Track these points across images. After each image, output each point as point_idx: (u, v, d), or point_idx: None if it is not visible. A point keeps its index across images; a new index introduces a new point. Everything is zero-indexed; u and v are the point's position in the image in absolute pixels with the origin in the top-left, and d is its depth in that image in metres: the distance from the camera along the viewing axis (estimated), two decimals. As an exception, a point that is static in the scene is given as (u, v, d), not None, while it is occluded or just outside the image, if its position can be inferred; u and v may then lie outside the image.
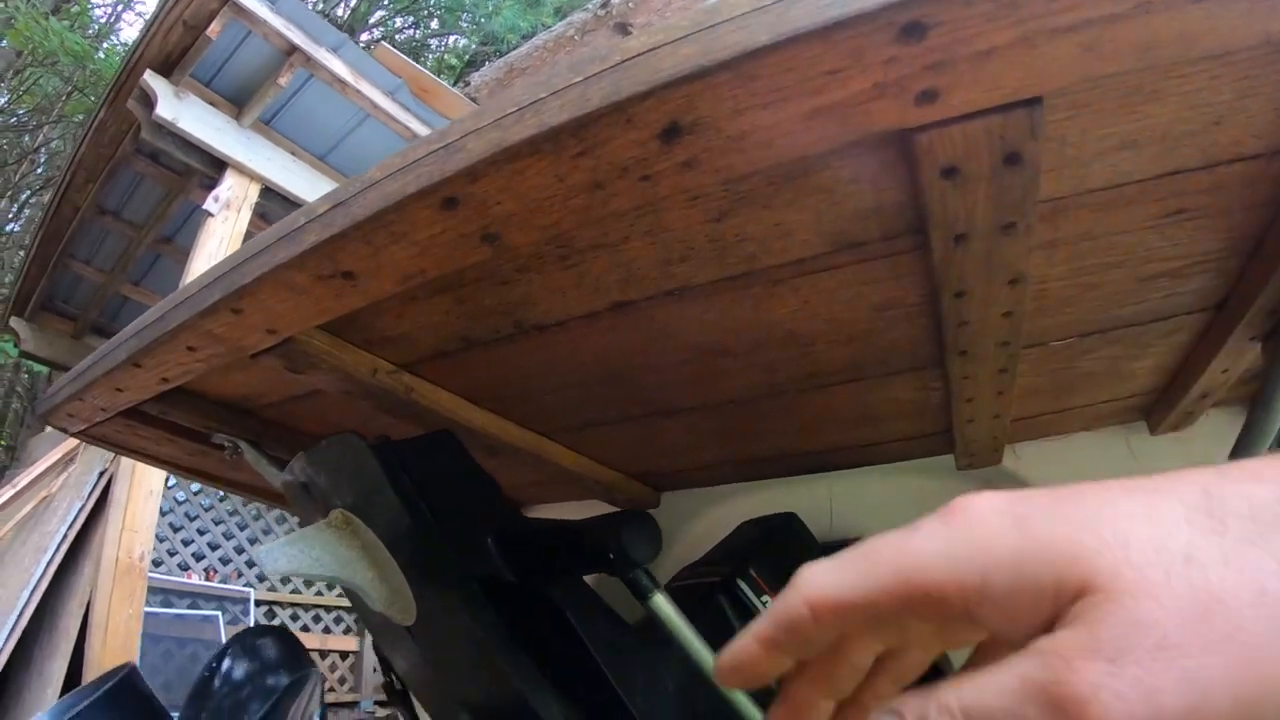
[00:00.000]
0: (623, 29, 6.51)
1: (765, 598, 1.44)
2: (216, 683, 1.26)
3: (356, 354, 1.11)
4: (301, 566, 1.09)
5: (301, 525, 1.38)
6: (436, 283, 0.85)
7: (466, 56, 19.18)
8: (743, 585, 1.44)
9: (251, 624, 7.72)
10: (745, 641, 0.43)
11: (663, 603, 1.08)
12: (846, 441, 1.66)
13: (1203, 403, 1.41)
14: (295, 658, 1.25)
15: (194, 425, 1.43)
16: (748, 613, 1.43)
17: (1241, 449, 1.07)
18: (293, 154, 5.92)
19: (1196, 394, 1.35)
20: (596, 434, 1.55)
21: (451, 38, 20.60)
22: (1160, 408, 1.51)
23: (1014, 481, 1.72)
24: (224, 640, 7.23)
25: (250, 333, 0.95)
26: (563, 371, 1.21)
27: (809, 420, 1.49)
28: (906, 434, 1.60)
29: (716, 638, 1.34)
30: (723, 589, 1.43)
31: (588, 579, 1.27)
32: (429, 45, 20.57)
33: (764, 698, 1.39)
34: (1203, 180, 0.81)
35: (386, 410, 1.25)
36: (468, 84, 6.64)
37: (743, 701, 1.14)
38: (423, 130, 5.90)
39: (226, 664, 1.29)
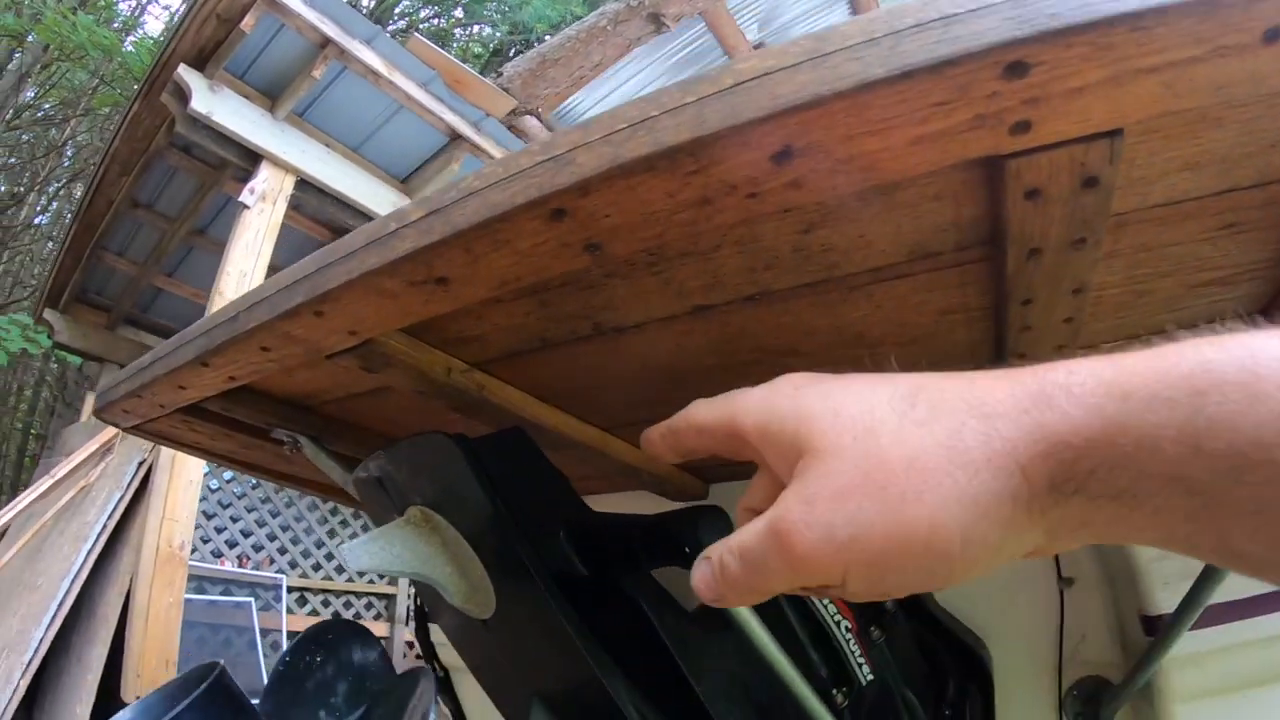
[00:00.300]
0: (656, 19, 6.50)
1: None
2: (302, 676, 1.29)
3: (432, 354, 1.14)
4: (383, 563, 1.12)
5: (374, 521, 1.42)
6: (526, 287, 0.88)
7: (492, 46, 19.19)
8: None
9: (284, 610, 7.82)
10: (651, 433, 0.70)
11: None
12: (895, 436, 1.67)
13: None
14: (386, 664, 1.28)
15: (254, 421, 1.46)
16: (800, 603, 1.44)
17: None
18: (327, 146, 5.98)
19: None
20: (655, 429, 1.57)
21: (477, 26, 20.61)
22: None
23: None
24: (256, 626, 7.32)
25: (330, 335, 0.98)
26: (631, 370, 1.25)
27: None
28: None
29: (772, 628, 1.38)
30: None
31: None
32: (454, 35, 20.59)
33: (822, 687, 1.42)
34: (1256, 197, 0.85)
35: (456, 408, 1.28)
36: (499, 74, 6.64)
37: (801, 689, 1.17)
38: (456, 122, 5.95)
39: (304, 660, 1.31)
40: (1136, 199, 0.83)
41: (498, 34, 18.99)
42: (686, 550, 1.07)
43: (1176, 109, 0.60)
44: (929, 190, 0.76)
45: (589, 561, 1.17)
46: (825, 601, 1.47)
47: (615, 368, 1.25)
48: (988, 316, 1.05)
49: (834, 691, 1.43)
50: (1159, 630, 1.47)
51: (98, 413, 1.45)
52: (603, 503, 2.18)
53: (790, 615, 1.45)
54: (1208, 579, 1.22)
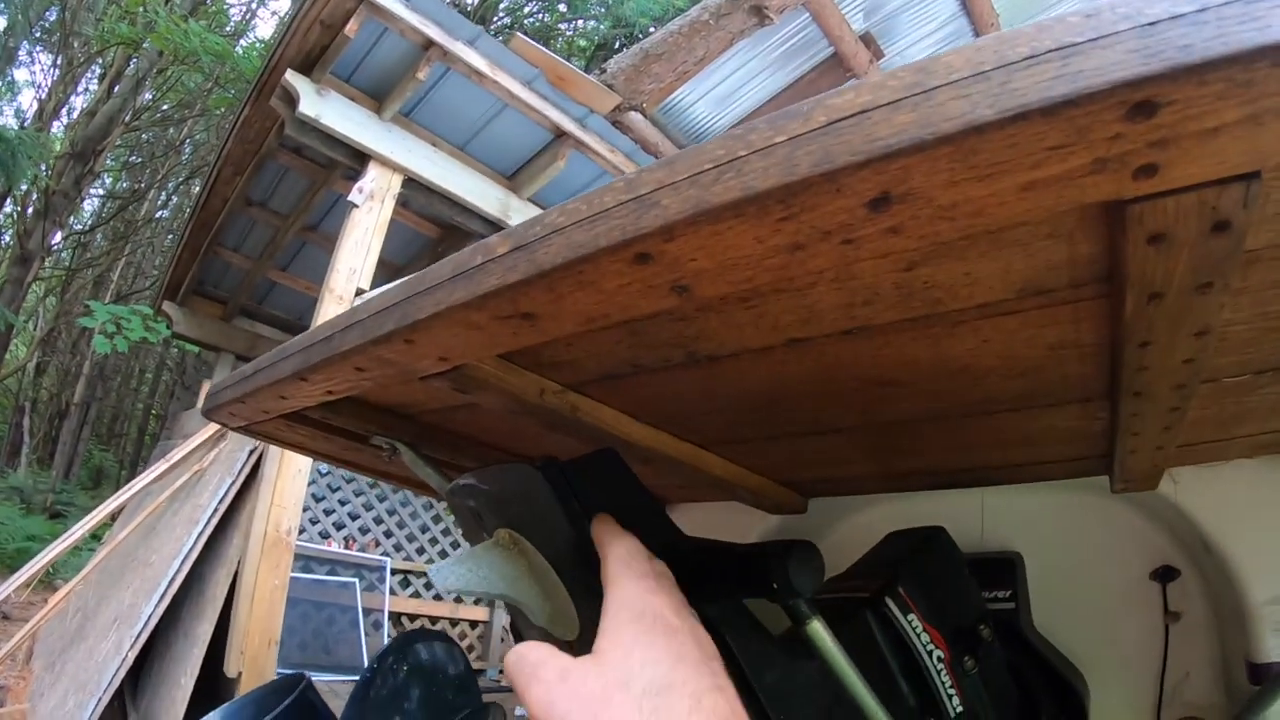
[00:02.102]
0: (759, 12, 6.42)
1: (912, 616, 1.44)
2: (372, 686, 1.31)
3: (524, 376, 1.13)
4: (471, 584, 1.13)
5: (463, 534, 1.43)
6: (615, 323, 0.86)
7: (597, 39, 19.28)
8: (891, 604, 1.43)
9: (387, 591, 8.00)
10: None
11: (819, 630, 1.09)
12: (1000, 460, 1.62)
13: None
14: (468, 680, 1.30)
15: (353, 428, 1.48)
16: (894, 631, 1.42)
17: None
18: (433, 144, 6.08)
19: None
20: (752, 447, 1.55)
21: (581, 21, 20.73)
22: None
23: (1169, 507, 1.67)
24: (360, 605, 7.51)
25: (422, 359, 0.97)
26: (726, 395, 1.22)
27: (966, 441, 1.46)
28: (1063, 457, 1.56)
29: (862, 655, 1.34)
30: (870, 607, 1.43)
31: None
32: (560, 29, 20.75)
33: (909, 718, 1.39)
34: None
35: (549, 427, 1.28)
36: (603, 71, 6.65)
37: None
38: (561, 119, 5.98)
39: (380, 672, 1.33)
40: (1270, 235, 0.75)
41: (602, 27, 19.05)
42: (775, 586, 1.05)
43: None
44: (1042, 230, 0.71)
45: (682, 583, 1.15)
46: (919, 629, 1.43)
47: (710, 394, 1.22)
48: (1102, 352, 0.99)
49: None
50: (1266, 679, 1.41)
51: (206, 413, 1.50)
52: (698, 512, 2.18)
53: (881, 643, 1.42)
54: None
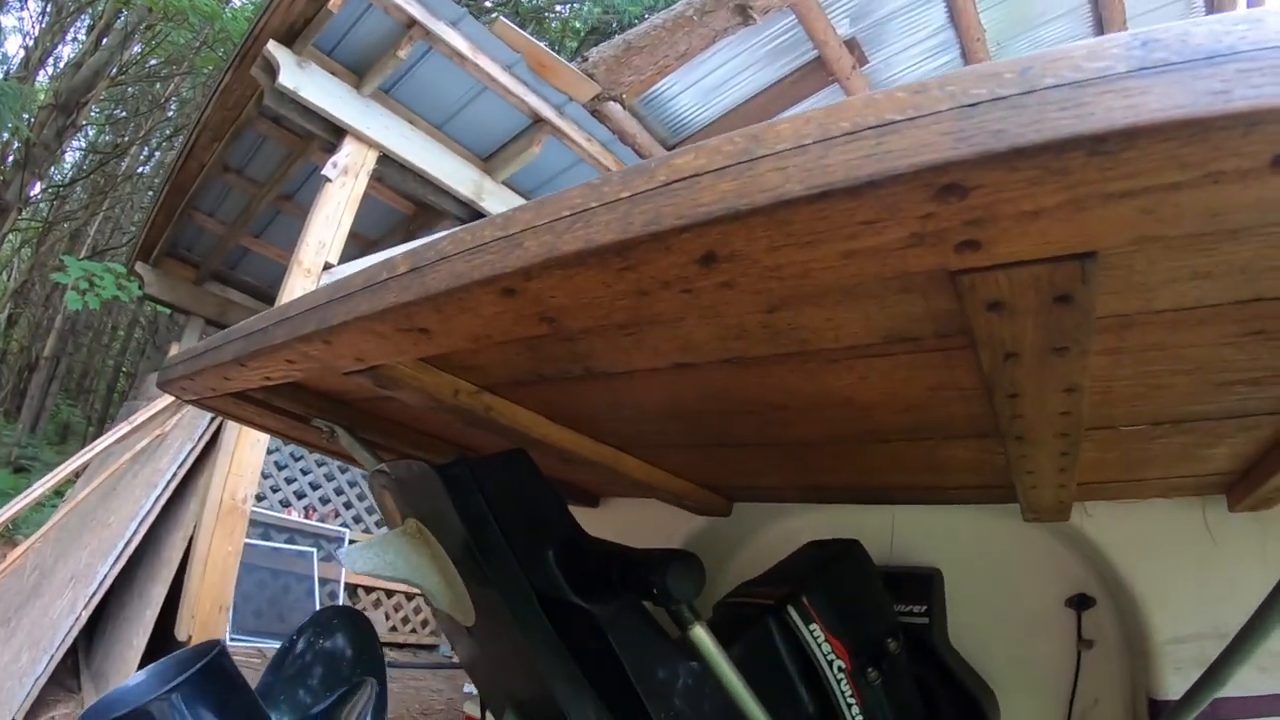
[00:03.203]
0: (743, 11, 6.42)
1: (814, 626, 1.47)
2: (293, 656, 1.37)
3: (439, 376, 1.18)
4: (379, 568, 1.19)
5: (384, 520, 1.48)
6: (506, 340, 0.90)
7: (590, 23, 19.17)
8: (793, 612, 1.47)
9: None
10: None
11: (702, 635, 1.14)
12: (910, 483, 1.66)
13: None
14: (368, 657, 1.35)
15: (294, 410, 1.53)
16: (795, 639, 1.46)
17: None
18: (410, 123, 6.05)
19: (1276, 485, 1.32)
20: (667, 453, 1.59)
21: (576, 3, 20.61)
22: (1240, 489, 1.47)
23: (1082, 539, 1.71)
24: (316, 574, 7.51)
25: (340, 358, 1.01)
26: (632, 406, 1.26)
27: (871, 463, 1.50)
28: (971, 484, 1.59)
29: (761, 660, 1.39)
30: (773, 614, 1.47)
31: None
32: (555, 10, 20.63)
33: None
34: None
35: (468, 424, 1.32)
36: (584, 59, 6.65)
37: None
38: (539, 105, 5.98)
39: (305, 641, 1.39)
40: (1139, 302, 0.78)
41: (595, 10, 18.95)
42: (655, 592, 1.10)
43: (1163, 235, 0.54)
44: (893, 285, 0.73)
45: (575, 586, 1.20)
46: (821, 639, 1.47)
47: (616, 403, 1.26)
48: (982, 396, 1.01)
49: None
50: (1163, 716, 1.43)
51: (161, 385, 1.53)
52: (626, 508, 2.22)
53: (781, 649, 1.47)
54: (1220, 670, 1.15)
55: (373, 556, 1.21)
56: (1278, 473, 1.25)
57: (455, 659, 7.76)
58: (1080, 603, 1.82)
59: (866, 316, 0.81)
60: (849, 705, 1.48)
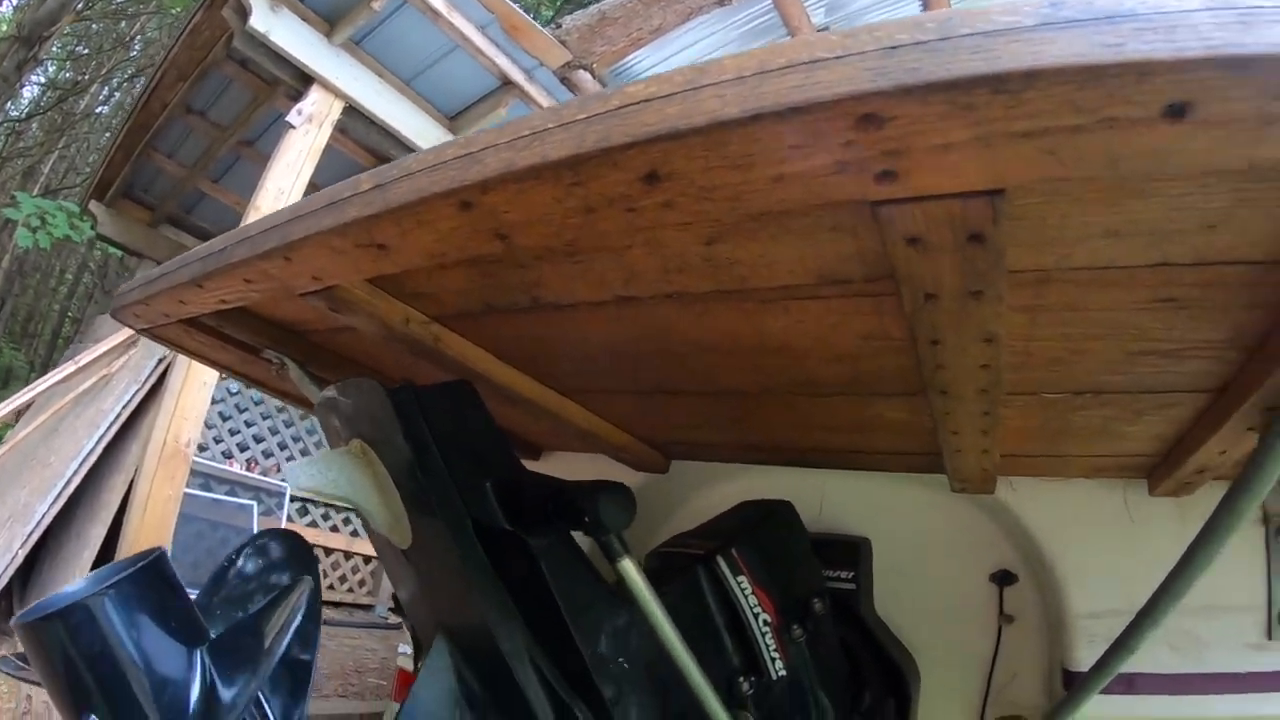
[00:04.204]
0: (720, -16, 6.44)
1: (742, 578, 1.52)
2: (231, 574, 1.39)
3: (391, 303, 1.21)
4: (320, 484, 1.22)
5: (329, 445, 1.50)
6: (463, 259, 0.94)
7: (574, -13, 18.96)
8: (722, 563, 1.51)
9: (285, 517, 7.98)
10: None
11: (629, 567, 1.19)
12: (841, 444, 1.71)
13: (1201, 476, 1.43)
14: (300, 562, 1.38)
15: (247, 340, 1.56)
16: (722, 590, 1.51)
17: (1207, 532, 1.05)
18: (379, 75, 6.01)
19: (1193, 468, 1.37)
20: (609, 399, 1.64)
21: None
22: (1160, 471, 1.53)
23: (1008, 513, 1.77)
24: (255, 528, 7.47)
25: (298, 277, 1.04)
26: (575, 344, 1.30)
27: (804, 420, 1.55)
28: (900, 449, 1.65)
29: (689, 608, 1.43)
30: (703, 564, 1.51)
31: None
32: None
33: (729, 674, 1.47)
34: (1195, 276, 0.84)
35: (417, 356, 1.35)
36: (558, 26, 6.63)
37: (691, 671, 1.23)
38: (509, 68, 5.97)
39: (242, 559, 1.42)
40: (1054, 258, 0.83)
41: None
42: (586, 520, 1.15)
43: (1067, 176, 0.58)
44: (824, 221, 0.78)
45: (511, 516, 1.24)
46: (748, 591, 1.52)
47: (560, 340, 1.30)
48: (910, 349, 1.05)
49: (740, 679, 1.49)
50: (1075, 685, 1.48)
51: (113, 313, 1.55)
52: (570, 461, 2.26)
53: (709, 598, 1.51)
54: (1126, 641, 1.22)
55: (316, 473, 1.24)
56: (1194, 455, 1.30)
57: (391, 620, 7.77)
58: (1003, 578, 1.88)
59: (800, 254, 0.86)
60: (773, 659, 1.53)
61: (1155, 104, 0.51)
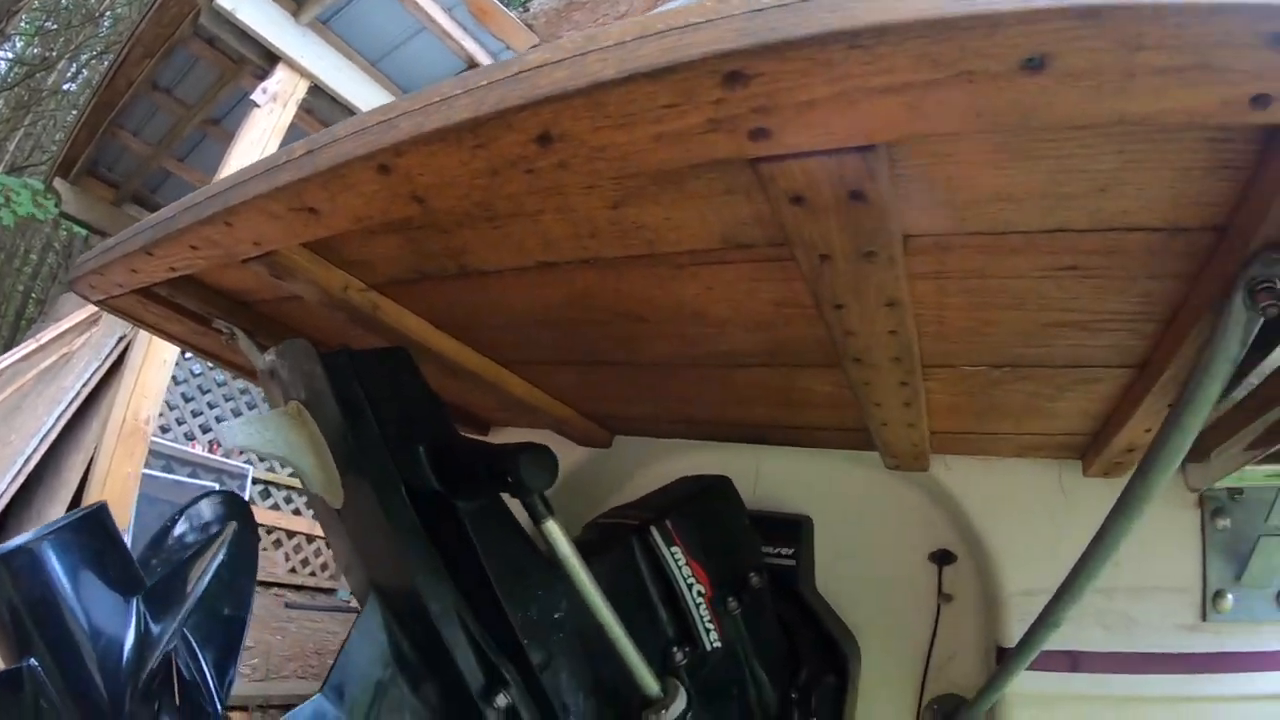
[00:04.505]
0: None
1: (676, 549, 1.55)
2: (170, 534, 1.44)
3: (330, 270, 1.25)
4: (255, 444, 1.24)
5: (271, 408, 1.54)
6: (387, 225, 0.99)
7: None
8: (655, 534, 1.54)
9: (247, 499, 7.97)
10: None
11: (554, 529, 1.22)
12: (774, 420, 1.75)
13: (1130, 456, 1.47)
14: (231, 515, 1.43)
15: (198, 310, 1.59)
16: (655, 559, 1.54)
17: (1115, 514, 1.07)
18: (346, 56, 5.99)
19: (1121, 446, 1.41)
20: (547, 371, 1.67)
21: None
22: (1093, 451, 1.57)
23: (941, 490, 1.82)
24: (217, 513, 7.49)
25: (240, 242, 1.08)
26: (506, 311, 1.34)
27: (733, 394, 1.59)
28: (831, 424, 1.69)
29: (623, 578, 1.47)
30: (636, 533, 1.54)
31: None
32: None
33: (662, 644, 1.51)
34: (1094, 243, 0.87)
35: (357, 323, 1.40)
36: (527, 9, 6.64)
37: (621, 639, 1.27)
38: (476, 50, 5.97)
39: (181, 519, 1.46)
40: (950, 222, 0.86)
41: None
42: (509, 480, 1.18)
43: (933, 132, 0.61)
44: (717, 185, 0.82)
45: (442, 479, 1.27)
46: (682, 562, 1.55)
47: (491, 308, 1.34)
48: (821, 317, 1.08)
49: (674, 649, 1.52)
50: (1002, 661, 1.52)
51: (70, 284, 1.59)
52: (514, 436, 2.28)
53: (643, 568, 1.54)
54: (1047, 618, 1.26)
55: (253, 432, 1.26)
56: (1121, 433, 1.33)
57: (352, 603, 7.75)
58: (942, 558, 1.92)
59: (702, 217, 0.90)
60: (707, 630, 1.56)
61: (1012, 57, 0.53)
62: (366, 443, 1.24)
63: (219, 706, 1.34)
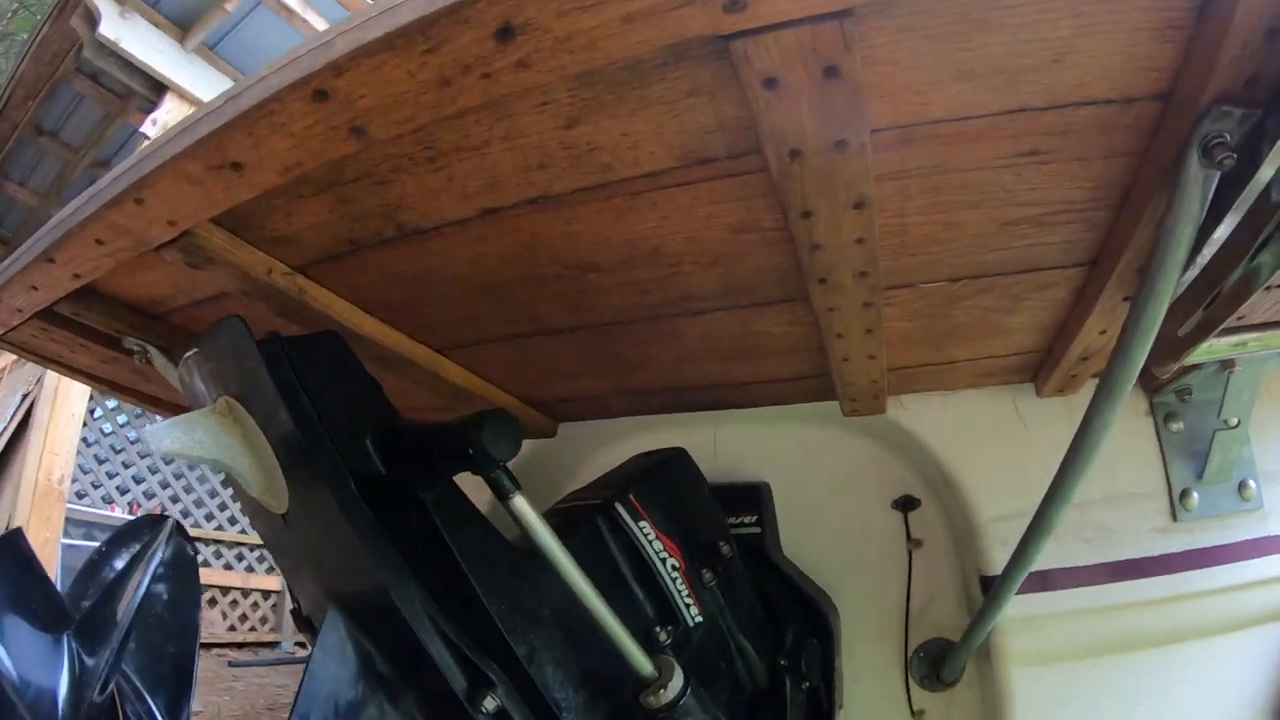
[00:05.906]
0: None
1: (644, 523, 1.50)
2: (97, 565, 1.35)
3: (252, 253, 1.17)
4: (184, 447, 1.13)
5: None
6: (318, 180, 0.91)
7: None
8: (621, 510, 1.48)
9: (173, 560, 7.69)
10: None
11: (523, 505, 1.13)
12: (728, 378, 1.71)
13: (1084, 365, 1.47)
14: (158, 534, 1.34)
15: (106, 329, 1.48)
16: (625, 536, 1.48)
17: (1095, 405, 1.08)
18: (235, 81, 5.84)
19: (1076, 355, 1.41)
20: (487, 352, 1.60)
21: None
22: (1045, 369, 1.58)
23: (903, 434, 1.80)
24: (147, 575, 7.23)
25: (152, 224, 1.01)
26: (444, 280, 1.27)
27: (687, 350, 1.54)
28: (787, 374, 1.66)
29: (594, 560, 1.40)
30: (601, 512, 1.48)
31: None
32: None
33: (644, 625, 1.46)
34: (1052, 121, 0.86)
35: (283, 314, 1.32)
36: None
37: (609, 622, 1.19)
38: (368, 68, 5.87)
39: (106, 548, 1.38)
40: (913, 109, 0.84)
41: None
42: (470, 452, 1.08)
43: None
44: (681, 86, 0.77)
45: (394, 467, 1.19)
46: (651, 536, 1.49)
47: (429, 277, 1.27)
48: (783, 239, 1.06)
49: (657, 629, 1.46)
50: (993, 589, 1.51)
51: None
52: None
53: (613, 548, 1.48)
54: (1032, 538, 1.25)
55: (181, 435, 1.14)
56: (1075, 340, 1.34)
57: (298, 654, 7.49)
58: (906, 504, 1.92)
59: (661, 128, 0.85)
60: (687, 605, 1.51)
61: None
62: (308, 434, 1.13)
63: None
